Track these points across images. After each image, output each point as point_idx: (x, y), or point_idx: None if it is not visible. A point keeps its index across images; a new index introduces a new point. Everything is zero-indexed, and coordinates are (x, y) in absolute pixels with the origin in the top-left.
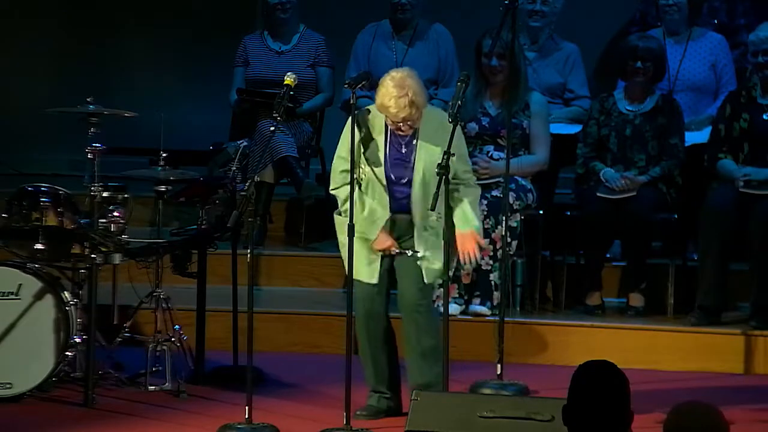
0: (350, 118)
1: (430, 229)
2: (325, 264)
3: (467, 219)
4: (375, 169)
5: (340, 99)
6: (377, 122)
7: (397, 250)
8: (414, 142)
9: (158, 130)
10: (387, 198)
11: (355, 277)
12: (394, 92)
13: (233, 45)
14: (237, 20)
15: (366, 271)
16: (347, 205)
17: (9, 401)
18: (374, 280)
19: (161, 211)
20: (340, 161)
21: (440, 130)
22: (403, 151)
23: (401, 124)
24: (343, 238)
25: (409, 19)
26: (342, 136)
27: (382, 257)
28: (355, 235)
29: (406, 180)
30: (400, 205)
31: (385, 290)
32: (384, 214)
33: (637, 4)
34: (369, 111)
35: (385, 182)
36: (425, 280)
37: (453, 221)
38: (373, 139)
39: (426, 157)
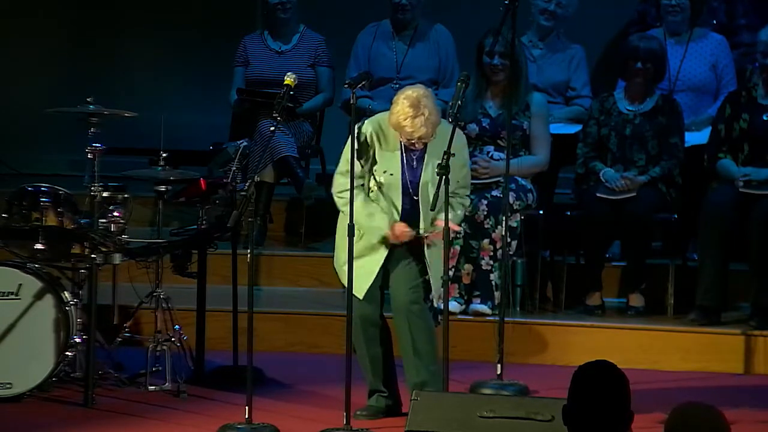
0: (351, 131)
1: (433, 246)
2: (325, 264)
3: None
4: (391, 180)
5: (340, 99)
6: (391, 135)
7: (412, 234)
8: (423, 157)
9: (158, 130)
10: (399, 208)
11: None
12: (410, 112)
13: (233, 45)
14: (237, 20)
15: (357, 285)
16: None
17: (9, 401)
18: (360, 295)
19: (161, 211)
20: (342, 178)
21: (444, 147)
22: (414, 166)
23: (415, 141)
24: (344, 256)
25: (410, 19)
26: (344, 152)
27: (378, 274)
28: (356, 252)
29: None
30: (409, 215)
31: (378, 292)
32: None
33: (637, 4)
34: (379, 123)
35: (400, 194)
36: (434, 302)
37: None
38: (388, 151)
39: (429, 174)
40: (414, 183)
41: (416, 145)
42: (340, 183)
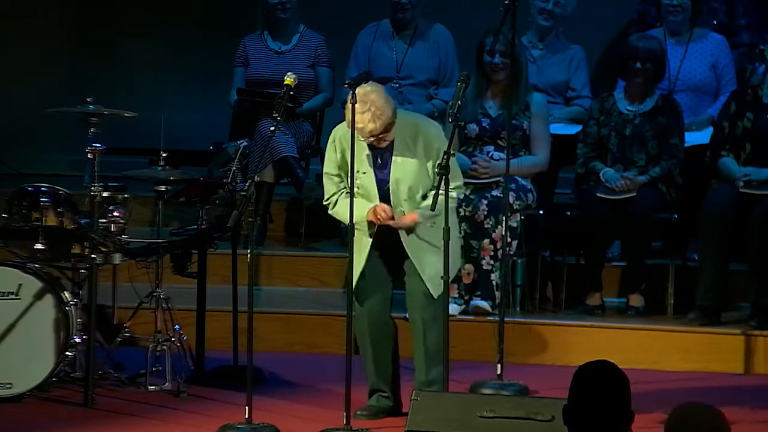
0: (351, 132)
1: (424, 242)
2: (325, 264)
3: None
4: (365, 179)
5: (340, 99)
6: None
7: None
8: (389, 155)
9: (158, 130)
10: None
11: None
12: (357, 108)
13: (233, 45)
14: (237, 20)
15: (356, 257)
16: (338, 207)
17: (9, 401)
18: (360, 267)
19: (161, 211)
20: (326, 178)
21: (413, 138)
22: (382, 163)
23: (371, 139)
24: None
25: (410, 18)
26: (326, 154)
27: (365, 272)
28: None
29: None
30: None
31: (388, 290)
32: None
33: (637, 4)
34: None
35: (376, 191)
36: (433, 295)
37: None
38: (359, 152)
39: (398, 169)
40: (384, 180)
41: (375, 143)
42: (325, 190)
